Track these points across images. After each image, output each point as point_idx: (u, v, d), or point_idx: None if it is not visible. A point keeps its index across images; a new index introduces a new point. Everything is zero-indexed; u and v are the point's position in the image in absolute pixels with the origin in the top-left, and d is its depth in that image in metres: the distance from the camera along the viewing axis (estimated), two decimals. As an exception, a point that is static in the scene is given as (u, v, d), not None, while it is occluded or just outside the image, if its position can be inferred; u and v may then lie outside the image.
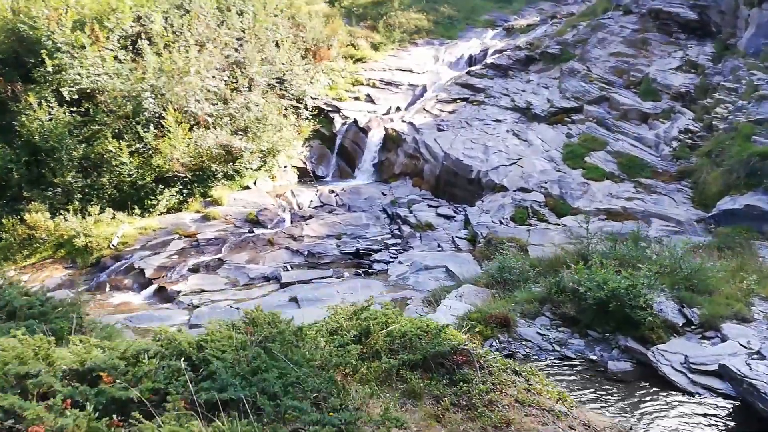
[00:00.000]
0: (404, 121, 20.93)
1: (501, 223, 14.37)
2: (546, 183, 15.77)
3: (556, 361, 6.63)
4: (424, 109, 21.79)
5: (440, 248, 13.85)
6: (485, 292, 8.51)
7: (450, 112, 21.00)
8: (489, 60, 24.68)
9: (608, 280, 6.97)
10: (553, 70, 22.25)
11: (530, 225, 14.21)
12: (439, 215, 15.78)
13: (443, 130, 19.50)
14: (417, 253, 13.46)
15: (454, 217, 15.70)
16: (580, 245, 9.27)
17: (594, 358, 6.68)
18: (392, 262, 13.14)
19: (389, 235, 15.08)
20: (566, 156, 16.98)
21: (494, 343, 6.73)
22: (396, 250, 13.84)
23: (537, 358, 6.64)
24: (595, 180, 15.66)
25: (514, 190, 15.79)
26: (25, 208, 14.41)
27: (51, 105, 15.71)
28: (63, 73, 16.33)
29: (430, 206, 16.44)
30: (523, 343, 6.87)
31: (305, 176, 20.29)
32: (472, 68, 24.53)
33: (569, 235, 11.80)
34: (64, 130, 15.57)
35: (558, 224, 14.14)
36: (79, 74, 16.47)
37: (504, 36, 29.27)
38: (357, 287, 11.42)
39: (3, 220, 14.09)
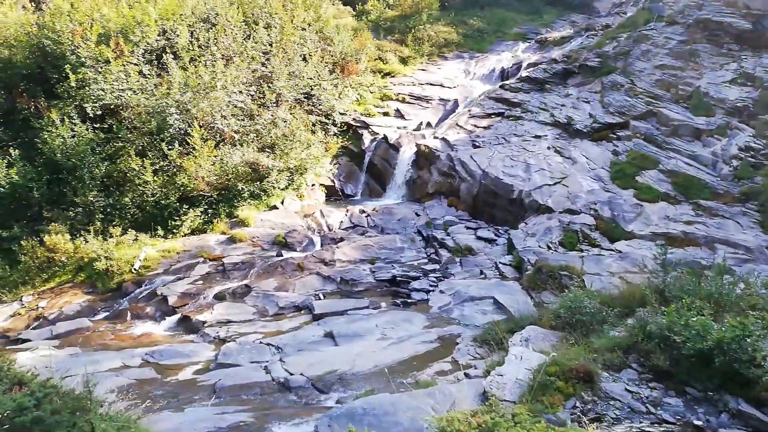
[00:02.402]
0: (437, 137, 20.02)
1: (549, 248, 13.27)
2: (595, 204, 14.65)
3: (651, 426, 5.58)
4: (457, 124, 20.86)
5: (483, 275, 12.80)
6: (553, 336, 7.45)
7: (485, 128, 20.03)
8: (523, 73, 23.73)
9: (709, 328, 5.90)
10: (594, 83, 21.18)
11: (581, 251, 13.09)
12: (479, 238, 14.74)
13: (479, 147, 18.51)
14: (459, 281, 12.43)
15: (496, 240, 14.64)
16: (656, 279, 8.15)
17: (699, 423, 5.60)
18: (432, 291, 12.12)
19: (426, 260, 14.08)
20: (615, 175, 15.85)
21: (577, 403, 5.69)
22: (435, 277, 12.82)
23: (629, 421, 5.59)
24: (648, 201, 14.50)
25: (561, 212, 14.69)
26: (45, 229, 13.74)
27: (74, 121, 15.14)
28: (87, 88, 15.78)
29: (469, 228, 15.41)
30: (611, 402, 5.81)
31: (333, 195, 19.48)
32: (506, 82, 23.59)
33: (636, 264, 10.68)
34: (86, 148, 14.96)
35: (612, 250, 13.00)
36: (102, 89, 15.91)
37: (537, 49, 28.30)
38: (397, 321, 10.43)
39: (22, 241, 13.42)
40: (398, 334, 9.73)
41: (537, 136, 18.59)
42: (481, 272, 12.96)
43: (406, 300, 11.84)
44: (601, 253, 12.92)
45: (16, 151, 14.62)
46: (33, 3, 18.72)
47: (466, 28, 31.12)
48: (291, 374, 8.33)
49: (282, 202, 17.21)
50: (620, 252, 12.77)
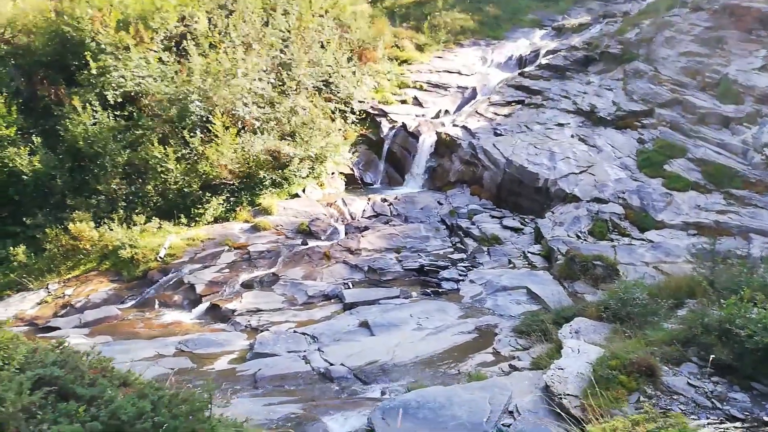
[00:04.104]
0: (457, 125, 19.77)
1: (578, 237, 13.10)
2: (624, 193, 14.44)
3: (719, 421, 5.44)
4: (476, 112, 20.60)
5: (512, 265, 12.65)
6: (603, 327, 7.31)
7: (506, 116, 19.78)
8: (543, 61, 23.39)
9: (776, 321, 5.74)
10: (616, 71, 20.85)
11: (612, 240, 12.91)
12: (505, 227, 14.56)
13: (501, 135, 18.28)
14: (488, 271, 12.29)
15: (522, 229, 14.46)
16: (702, 270, 7.98)
17: (768, 419, 5.48)
18: (462, 280, 11.98)
19: (452, 249, 13.94)
20: (642, 163, 15.62)
21: (641, 398, 5.56)
22: (464, 266, 12.67)
23: (696, 417, 5.46)
24: (678, 190, 14.28)
25: (588, 201, 14.50)
26: (69, 216, 13.64)
27: (95, 109, 14.97)
28: (107, 75, 15.60)
29: (494, 217, 15.23)
30: (674, 397, 5.67)
31: (352, 183, 19.30)
32: (525, 69, 23.26)
33: (669, 253, 10.51)
34: (108, 135, 14.82)
35: (643, 239, 12.82)
36: (123, 77, 15.73)
37: (554, 36, 27.90)
38: (431, 311, 10.30)
39: (46, 229, 13.35)
40: (434, 324, 9.61)
41: (560, 124, 18.34)
42: (510, 262, 12.81)
43: (437, 290, 11.70)
44: (632, 242, 12.75)
45: (38, 138, 14.49)
46: (50, -12, 18.45)
47: (482, 15, 30.65)
48: (331, 364, 8.23)
49: (303, 191, 17.07)
50: (652, 242, 12.59)
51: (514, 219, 15.09)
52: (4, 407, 2.96)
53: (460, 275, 12.21)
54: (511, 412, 5.73)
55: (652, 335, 6.57)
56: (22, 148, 14.06)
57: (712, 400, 5.65)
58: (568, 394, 5.52)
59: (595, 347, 6.34)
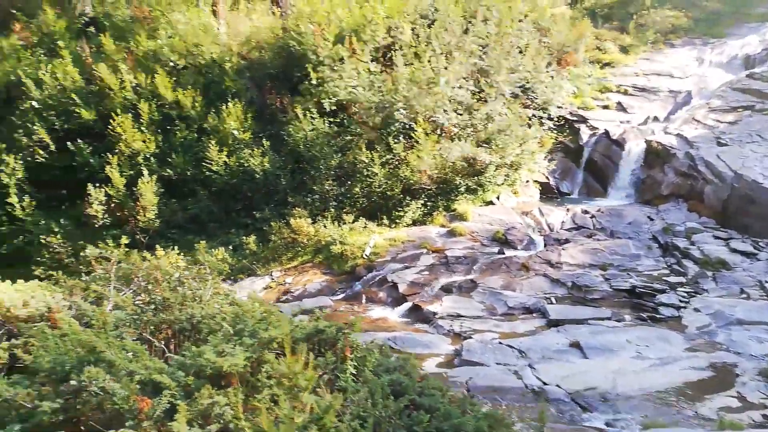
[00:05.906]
0: (669, 133, 18.01)
1: (834, 270, 11.04)
2: None
3: None
4: (693, 119, 18.56)
5: (745, 295, 11.09)
6: None
7: (731, 123, 17.51)
8: (779, 60, 20.26)
9: None
10: None
11: None
12: (733, 251, 12.84)
13: (726, 145, 16.21)
14: (716, 299, 10.92)
15: (756, 254, 12.62)
16: None
17: None
18: (684, 307, 10.80)
19: (667, 271, 12.67)
20: None
21: None
22: (685, 291, 11.43)
23: None
24: None
25: None
26: (290, 212, 15.21)
27: (313, 116, 16.46)
28: (324, 85, 17.06)
29: (718, 238, 13.52)
30: None
31: (547, 192, 18.67)
32: (755, 70, 20.43)
33: None
34: (323, 140, 16.21)
35: None
36: (337, 87, 17.06)
37: (793, 30, 23.99)
38: (651, 338, 9.45)
39: (272, 223, 15.05)
40: (657, 355, 8.81)
41: (804, 134, 15.69)
42: (742, 291, 11.24)
43: (653, 315, 10.71)
44: None
45: (267, 142, 16.38)
46: (278, 8, 20.73)
47: (697, 11, 27.54)
48: (545, 384, 7.98)
49: (497, 198, 16.95)
50: None
51: (744, 242, 13.24)
52: (378, 410, 3.30)
53: (681, 301, 11.03)
54: (784, 474, 4.98)
55: None
56: (255, 150, 16.02)
57: None
58: None
59: None
